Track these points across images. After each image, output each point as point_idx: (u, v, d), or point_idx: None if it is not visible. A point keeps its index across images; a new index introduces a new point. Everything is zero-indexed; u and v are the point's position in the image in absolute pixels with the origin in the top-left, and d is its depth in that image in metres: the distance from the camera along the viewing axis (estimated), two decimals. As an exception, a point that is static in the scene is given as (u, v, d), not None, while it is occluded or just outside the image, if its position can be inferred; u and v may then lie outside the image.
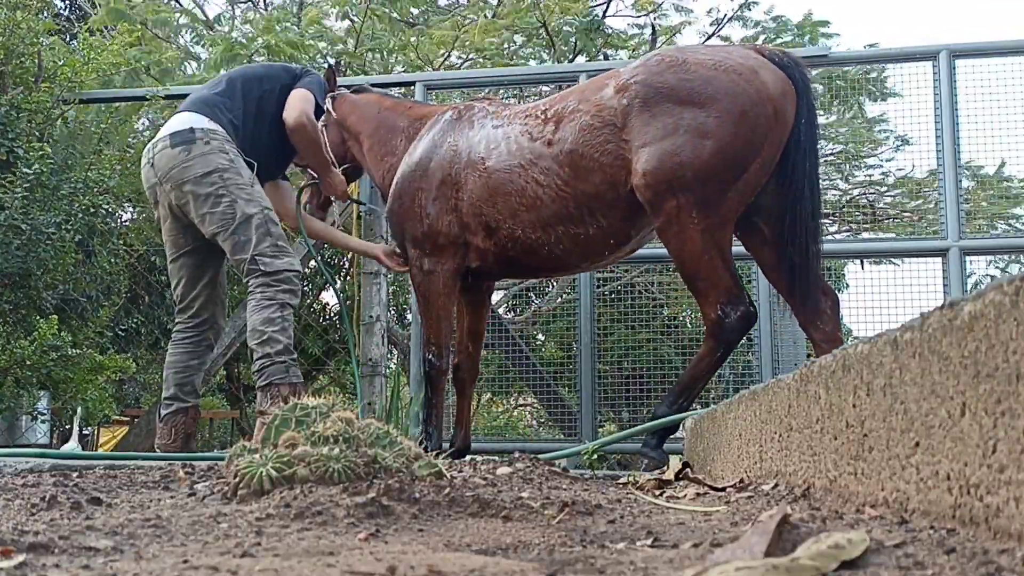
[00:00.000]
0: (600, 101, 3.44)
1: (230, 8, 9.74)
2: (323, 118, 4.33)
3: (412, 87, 5.95)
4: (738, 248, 3.80)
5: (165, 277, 10.41)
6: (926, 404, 1.09)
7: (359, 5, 8.38)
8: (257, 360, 3.78)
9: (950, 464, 1.04)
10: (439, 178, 3.78)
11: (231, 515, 1.44)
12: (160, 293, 10.53)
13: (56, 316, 5.64)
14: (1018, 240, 5.61)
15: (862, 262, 6.14)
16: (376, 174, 4.22)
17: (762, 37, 9.58)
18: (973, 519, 0.98)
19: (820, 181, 3.48)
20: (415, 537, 1.27)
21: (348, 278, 8.87)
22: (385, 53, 8.75)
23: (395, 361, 8.62)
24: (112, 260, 6.68)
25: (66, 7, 12.03)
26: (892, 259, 5.70)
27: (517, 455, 2.43)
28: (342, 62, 8.52)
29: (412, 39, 8.47)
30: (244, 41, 8.23)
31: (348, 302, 6.04)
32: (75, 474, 2.39)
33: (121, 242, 7.30)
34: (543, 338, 9.56)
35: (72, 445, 6.41)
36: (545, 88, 6.41)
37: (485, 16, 8.72)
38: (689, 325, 7.10)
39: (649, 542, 1.21)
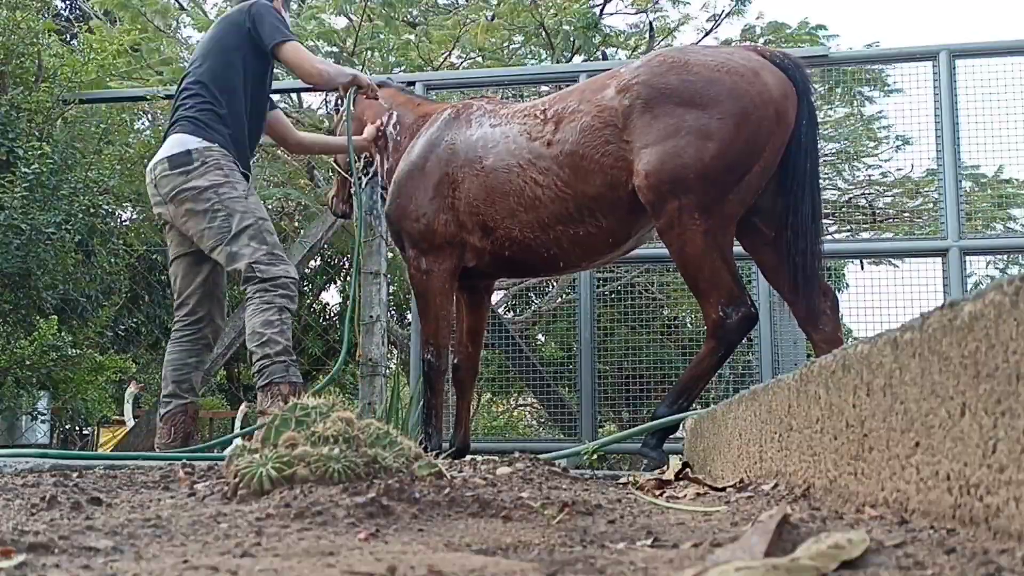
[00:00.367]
0: (601, 102, 3.44)
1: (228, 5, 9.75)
2: (344, 114, 4.44)
3: (412, 87, 5.95)
4: (738, 248, 3.80)
5: (165, 277, 10.41)
6: (926, 404, 1.10)
7: (357, 3, 8.37)
8: (257, 361, 3.79)
9: (950, 464, 1.04)
10: (436, 177, 3.79)
11: (231, 515, 1.44)
12: (160, 293, 10.54)
13: (56, 316, 5.65)
14: (1018, 240, 5.62)
15: (862, 262, 6.15)
16: (382, 170, 4.26)
17: (761, 39, 9.59)
18: (973, 519, 0.98)
19: (820, 182, 3.48)
20: (415, 537, 1.27)
21: (348, 278, 8.87)
22: (385, 53, 8.75)
23: (395, 361, 8.62)
24: (112, 260, 6.69)
25: (66, 7, 12.02)
26: (892, 259, 5.70)
27: (517, 455, 2.43)
28: (341, 61, 8.52)
29: (412, 38, 8.48)
30: None
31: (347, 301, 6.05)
32: (75, 474, 2.39)
33: (121, 242, 7.30)
34: (543, 338, 9.56)
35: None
36: (544, 88, 6.41)
37: (485, 17, 8.72)
38: (689, 325, 7.11)
39: (649, 542, 1.21)
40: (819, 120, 3.79)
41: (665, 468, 2.51)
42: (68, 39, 9.84)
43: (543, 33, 8.74)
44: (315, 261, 8.24)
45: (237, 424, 7.63)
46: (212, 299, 4.14)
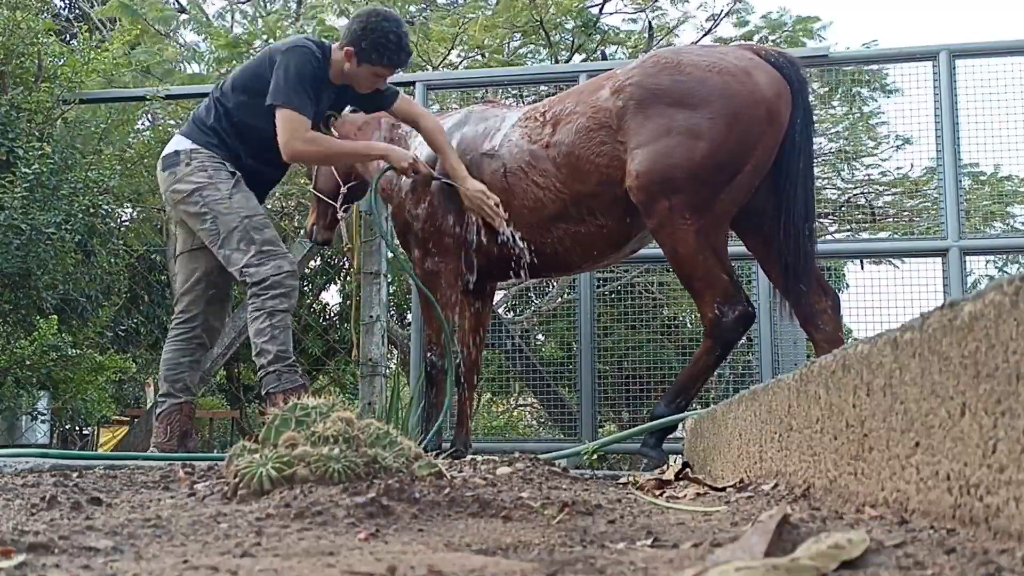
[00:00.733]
0: (596, 103, 3.47)
1: (229, 6, 9.75)
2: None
3: (412, 87, 5.95)
4: (742, 248, 3.80)
5: (165, 277, 10.44)
6: (926, 404, 1.10)
7: (358, 3, 8.37)
8: (258, 371, 3.82)
9: (950, 464, 1.04)
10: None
11: (231, 515, 1.44)
12: (160, 293, 10.54)
13: (56, 316, 5.65)
14: (1018, 240, 5.61)
15: (862, 262, 6.14)
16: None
17: (756, 37, 9.59)
18: (973, 519, 0.98)
19: (814, 182, 3.48)
20: (415, 537, 1.27)
21: (348, 278, 8.88)
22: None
23: (395, 361, 8.62)
24: (112, 260, 6.69)
25: (66, 7, 12.02)
26: (892, 259, 5.70)
27: (517, 455, 2.43)
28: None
29: (412, 37, 8.47)
30: (246, 37, 8.23)
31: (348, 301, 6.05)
32: (75, 474, 2.39)
33: (121, 242, 7.30)
34: (543, 338, 9.56)
35: None
36: (544, 88, 6.41)
37: (484, 14, 8.71)
38: (689, 325, 7.11)
39: (649, 542, 1.21)
40: (818, 120, 3.80)
41: (665, 468, 2.52)
42: (68, 39, 9.83)
43: (542, 31, 8.74)
44: (315, 261, 8.23)
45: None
46: (206, 299, 4.12)
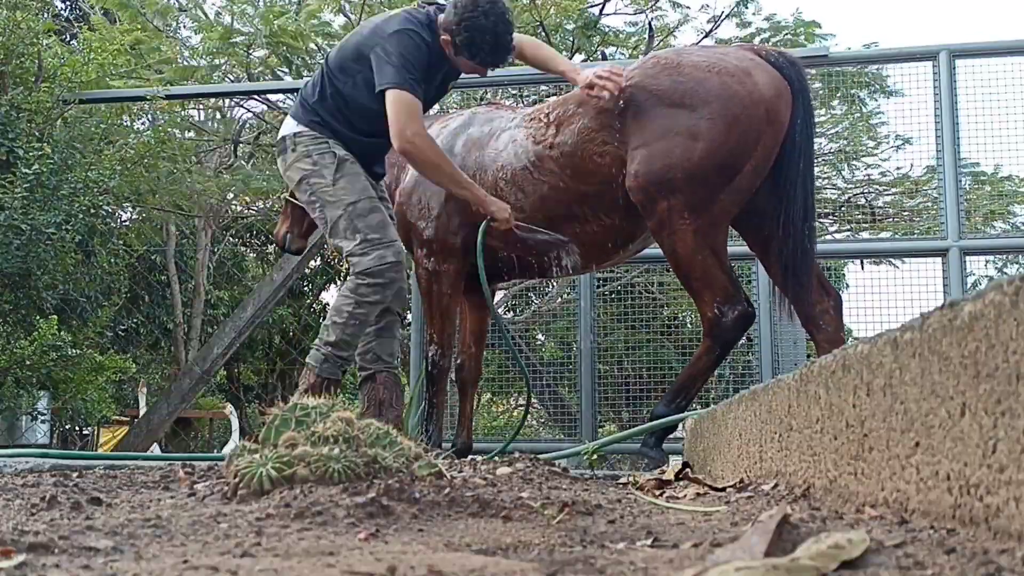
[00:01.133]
0: (597, 104, 3.47)
1: (227, 3, 9.75)
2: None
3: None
4: (742, 248, 3.80)
5: (165, 277, 10.45)
6: (926, 404, 1.10)
7: (355, 2, 8.37)
8: (315, 342, 3.75)
9: (950, 464, 1.04)
10: None
11: (231, 515, 1.44)
12: (160, 293, 10.55)
13: (56, 316, 5.65)
14: (1018, 240, 5.61)
15: (862, 262, 6.14)
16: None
17: (757, 38, 9.59)
18: (973, 519, 0.98)
19: (814, 182, 3.48)
20: (415, 537, 1.27)
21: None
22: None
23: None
24: (112, 260, 6.69)
25: (66, 7, 12.02)
26: (892, 259, 5.70)
27: (517, 455, 2.43)
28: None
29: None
30: (241, 28, 8.21)
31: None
32: (75, 474, 2.39)
33: (121, 242, 7.30)
34: (543, 338, 9.55)
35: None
36: (544, 88, 6.40)
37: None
38: (689, 325, 7.11)
39: (649, 542, 1.21)
40: (819, 120, 3.80)
41: (665, 468, 2.52)
42: (68, 39, 9.83)
43: (542, 32, 8.74)
44: (315, 261, 8.23)
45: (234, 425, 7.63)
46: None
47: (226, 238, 11.32)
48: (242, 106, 9.36)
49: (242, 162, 8.83)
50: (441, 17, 3.58)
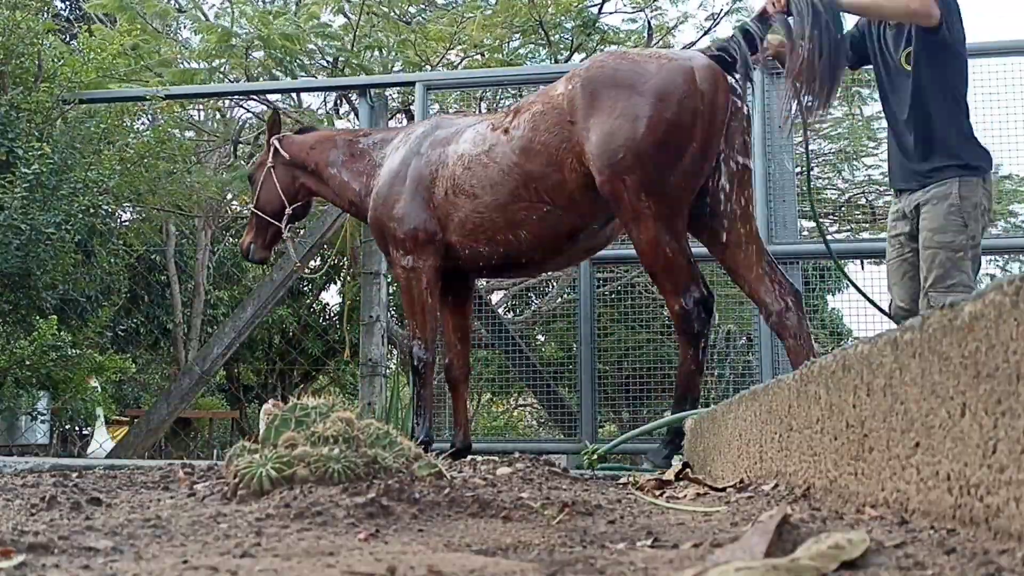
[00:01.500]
0: (551, 91, 3.70)
1: (228, 4, 9.74)
2: (270, 159, 4.56)
3: (412, 87, 5.95)
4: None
5: (165, 277, 10.45)
6: (926, 404, 1.09)
7: (355, 2, 8.36)
8: None
9: (950, 464, 1.04)
10: (416, 179, 3.98)
11: (231, 515, 1.44)
12: (159, 293, 10.54)
13: (56, 316, 5.64)
14: (1018, 240, 5.61)
15: (862, 262, 6.14)
16: (350, 190, 4.36)
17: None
18: (973, 519, 0.98)
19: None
20: (415, 537, 1.27)
21: (348, 279, 8.87)
22: (384, 51, 8.74)
23: (395, 361, 8.62)
24: (112, 260, 6.68)
25: (66, 7, 12.02)
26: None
27: (517, 455, 2.43)
28: (340, 60, 8.51)
29: (411, 36, 8.46)
30: (239, 32, 8.20)
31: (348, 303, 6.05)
32: (75, 474, 2.39)
33: (121, 242, 7.29)
34: (543, 338, 9.56)
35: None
36: (543, 88, 6.39)
37: (483, 13, 8.70)
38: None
39: (649, 542, 1.21)
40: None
41: (665, 468, 2.52)
42: (68, 39, 9.83)
43: (541, 31, 8.73)
44: (315, 261, 8.23)
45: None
46: None
47: (226, 238, 11.31)
48: (242, 106, 9.36)
49: (242, 162, 8.82)
50: None
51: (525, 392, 8.71)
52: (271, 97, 8.87)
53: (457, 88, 7.17)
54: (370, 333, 5.81)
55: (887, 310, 4.07)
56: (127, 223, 8.92)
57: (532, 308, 10.13)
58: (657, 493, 1.98)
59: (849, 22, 3.95)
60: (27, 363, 5.43)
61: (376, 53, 8.83)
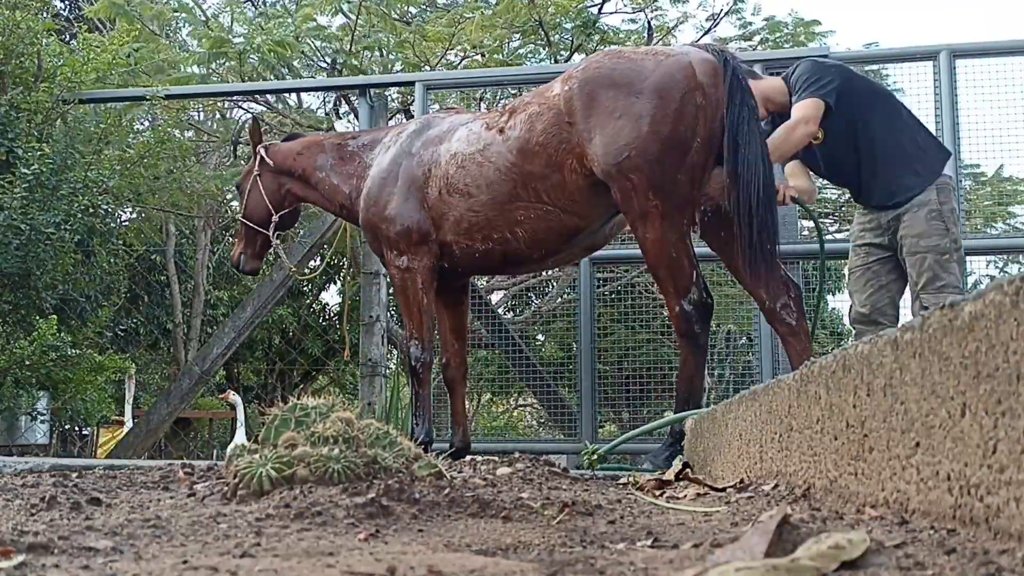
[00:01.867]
0: (547, 92, 3.68)
1: (227, 7, 9.73)
2: (256, 168, 4.56)
3: (412, 87, 5.95)
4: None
5: (165, 277, 10.45)
6: (926, 404, 1.09)
7: (354, 3, 8.35)
8: None
9: (950, 464, 1.04)
10: (408, 179, 3.97)
11: (231, 515, 1.44)
12: (159, 293, 10.54)
13: (55, 316, 5.64)
14: (1018, 240, 5.61)
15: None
16: (340, 194, 4.36)
17: (756, 37, 9.58)
18: (973, 519, 0.98)
19: (771, 169, 3.52)
20: (415, 537, 1.27)
21: (348, 279, 8.87)
22: (383, 51, 8.74)
23: (395, 361, 8.62)
24: (111, 260, 6.68)
25: (65, 7, 12.02)
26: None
27: (517, 455, 2.43)
28: (338, 61, 8.51)
29: (409, 36, 8.46)
30: (238, 38, 8.21)
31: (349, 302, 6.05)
32: (75, 474, 2.39)
33: (121, 242, 7.29)
34: (543, 338, 9.56)
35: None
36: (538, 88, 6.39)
37: (482, 13, 8.70)
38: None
39: (649, 543, 1.21)
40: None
41: (665, 469, 2.52)
42: (68, 39, 9.82)
43: (541, 31, 8.73)
44: (315, 261, 8.23)
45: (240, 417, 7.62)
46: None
47: (226, 238, 11.31)
48: (241, 106, 9.37)
49: (242, 162, 8.82)
50: None
51: (525, 392, 8.71)
52: (271, 98, 8.87)
53: (457, 88, 7.17)
54: (370, 333, 5.81)
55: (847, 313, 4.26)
56: (127, 223, 8.92)
57: (532, 308, 10.13)
58: (657, 493, 1.98)
59: None
60: (27, 363, 5.43)
61: (375, 54, 8.83)
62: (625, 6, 9.63)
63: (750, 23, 9.68)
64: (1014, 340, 0.90)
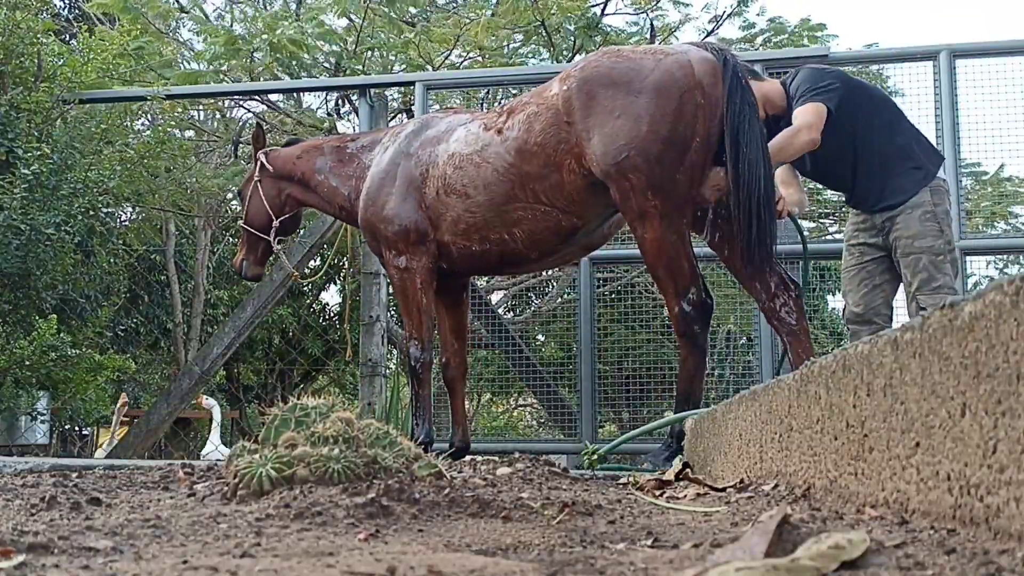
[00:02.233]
0: (545, 92, 3.67)
1: (228, 5, 9.73)
2: (257, 173, 4.58)
3: (412, 87, 5.95)
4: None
5: (165, 277, 10.44)
6: (926, 404, 1.09)
7: (359, 3, 8.35)
8: None
9: (950, 464, 1.04)
10: (406, 179, 3.97)
11: (231, 515, 1.44)
12: (159, 293, 10.54)
13: (55, 316, 5.64)
14: (1018, 240, 5.61)
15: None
16: (339, 196, 4.37)
17: (759, 39, 9.58)
18: (973, 519, 0.98)
19: (771, 170, 3.51)
20: (415, 537, 1.27)
21: (348, 279, 8.87)
22: (386, 52, 8.74)
23: (395, 361, 8.62)
24: (111, 260, 6.68)
25: (66, 7, 12.02)
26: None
27: (517, 455, 2.43)
28: (342, 62, 8.51)
29: (412, 37, 8.46)
30: (247, 36, 8.21)
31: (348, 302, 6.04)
32: (75, 474, 2.39)
33: (120, 242, 7.29)
34: (543, 338, 9.55)
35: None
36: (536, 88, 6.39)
37: (486, 15, 8.70)
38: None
39: (649, 543, 1.21)
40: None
41: (665, 469, 2.52)
42: (68, 39, 9.82)
43: (543, 32, 8.73)
44: (315, 261, 8.23)
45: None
46: None
47: (226, 238, 11.31)
48: (242, 106, 9.37)
49: (242, 162, 8.82)
50: None
51: (525, 392, 8.71)
52: (272, 97, 8.87)
53: (457, 88, 7.17)
54: (370, 333, 5.81)
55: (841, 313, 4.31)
56: (127, 223, 8.92)
57: (532, 308, 10.13)
58: (657, 493, 1.98)
59: None
60: (27, 363, 5.43)
61: (377, 54, 8.83)
62: (628, 6, 9.63)
63: (753, 24, 9.67)
64: (1014, 340, 0.90)
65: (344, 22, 9.05)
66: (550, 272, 8.54)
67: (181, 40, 9.72)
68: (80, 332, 6.23)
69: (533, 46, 9.45)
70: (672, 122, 3.34)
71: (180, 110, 7.95)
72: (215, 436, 6.63)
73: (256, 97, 8.60)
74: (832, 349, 3.09)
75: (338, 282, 11.38)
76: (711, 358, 5.89)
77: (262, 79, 8.16)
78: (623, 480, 2.43)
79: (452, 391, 4.22)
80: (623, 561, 1.03)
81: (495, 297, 9.83)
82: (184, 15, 9.18)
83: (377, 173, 4.10)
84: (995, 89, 4.97)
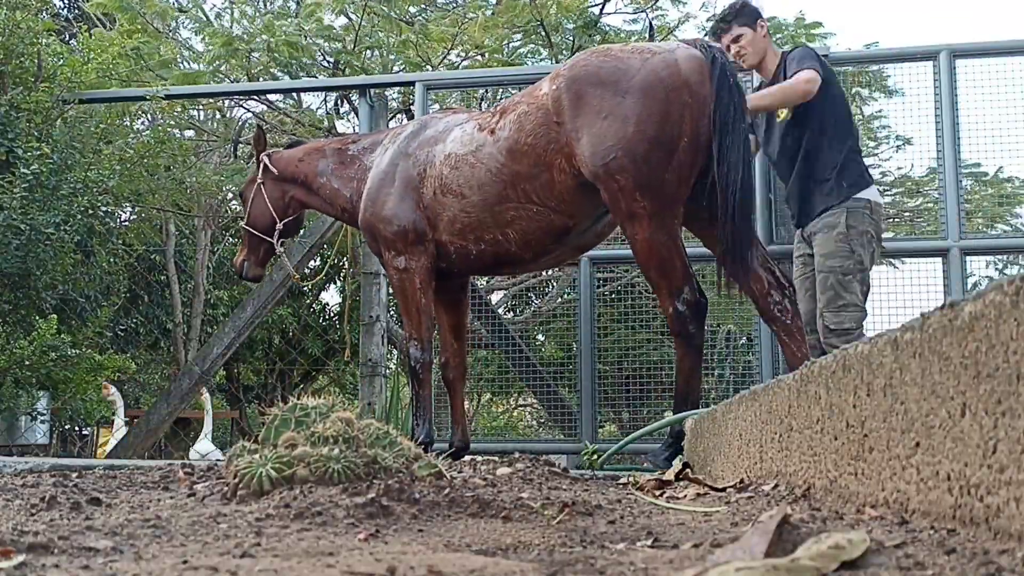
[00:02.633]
0: (536, 91, 3.67)
1: (228, 5, 9.72)
2: (260, 175, 4.59)
3: (412, 87, 5.95)
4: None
5: (165, 277, 10.45)
6: (926, 404, 1.09)
7: (357, 2, 8.35)
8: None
9: (950, 464, 1.04)
10: (405, 180, 3.98)
11: (231, 515, 1.44)
12: (159, 293, 10.54)
13: (55, 316, 5.64)
14: (1018, 240, 5.61)
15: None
16: (341, 197, 4.38)
17: None
18: (973, 519, 0.98)
19: (751, 168, 3.52)
20: (415, 537, 1.27)
21: (348, 278, 8.86)
22: (384, 51, 8.74)
23: (395, 361, 8.62)
24: (111, 260, 6.68)
25: (65, 7, 12.01)
26: (892, 259, 5.69)
27: (517, 455, 2.43)
28: (341, 60, 8.51)
29: (411, 36, 8.45)
30: (245, 37, 8.21)
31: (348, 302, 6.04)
32: (75, 474, 2.39)
33: (120, 242, 7.29)
34: (543, 338, 9.55)
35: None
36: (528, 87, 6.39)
37: (484, 14, 8.69)
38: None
39: (649, 543, 1.21)
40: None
41: (665, 469, 2.52)
42: (68, 39, 9.82)
43: (542, 31, 8.73)
44: (315, 261, 8.23)
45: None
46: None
47: (226, 238, 11.31)
48: (242, 106, 9.36)
49: (242, 162, 8.82)
50: None
51: (525, 392, 8.70)
52: (272, 97, 8.86)
53: (457, 88, 7.17)
54: (370, 333, 5.81)
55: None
56: (127, 223, 8.92)
57: (532, 308, 10.13)
58: (657, 493, 1.98)
59: None
60: (27, 363, 5.43)
61: (376, 53, 8.83)
62: (627, 6, 9.63)
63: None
64: (1014, 340, 0.90)
65: (343, 20, 9.04)
66: (550, 272, 8.53)
67: (180, 40, 9.72)
68: (80, 332, 6.22)
69: (532, 45, 9.44)
70: (659, 122, 3.33)
71: (179, 110, 7.95)
72: (207, 429, 6.64)
73: (255, 97, 8.59)
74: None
75: (338, 282, 11.38)
76: (711, 358, 5.89)
77: (261, 79, 8.17)
78: (623, 480, 2.43)
79: (452, 391, 4.23)
80: (623, 561, 1.03)
81: (495, 297, 9.83)
82: (182, 14, 9.18)
83: (377, 174, 4.11)
84: (995, 89, 4.97)
